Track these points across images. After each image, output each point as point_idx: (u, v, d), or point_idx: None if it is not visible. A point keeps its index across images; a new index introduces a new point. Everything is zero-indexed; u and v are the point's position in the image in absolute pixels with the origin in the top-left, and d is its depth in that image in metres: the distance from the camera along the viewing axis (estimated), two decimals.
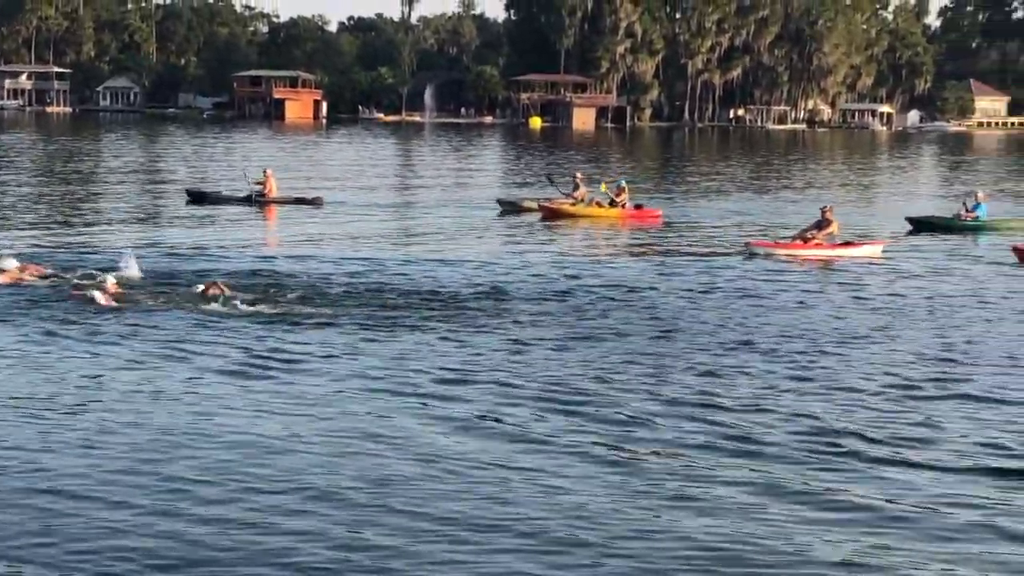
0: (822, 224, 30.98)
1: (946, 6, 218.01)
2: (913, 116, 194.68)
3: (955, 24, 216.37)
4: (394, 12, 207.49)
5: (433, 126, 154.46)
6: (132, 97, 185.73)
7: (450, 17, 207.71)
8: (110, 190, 49.01)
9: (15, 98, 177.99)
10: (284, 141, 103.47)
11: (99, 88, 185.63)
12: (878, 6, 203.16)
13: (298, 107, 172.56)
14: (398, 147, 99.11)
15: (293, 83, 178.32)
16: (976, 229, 37.94)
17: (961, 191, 43.61)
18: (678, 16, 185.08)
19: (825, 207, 31.90)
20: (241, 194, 42.19)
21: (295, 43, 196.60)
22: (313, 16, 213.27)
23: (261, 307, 21.06)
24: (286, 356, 17.42)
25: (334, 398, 15.23)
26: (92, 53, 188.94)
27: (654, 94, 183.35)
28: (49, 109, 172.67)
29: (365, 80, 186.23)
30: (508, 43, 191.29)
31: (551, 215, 39.93)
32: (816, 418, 14.71)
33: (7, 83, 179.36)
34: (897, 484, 12.39)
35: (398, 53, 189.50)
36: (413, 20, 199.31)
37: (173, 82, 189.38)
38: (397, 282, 24.44)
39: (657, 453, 13.28)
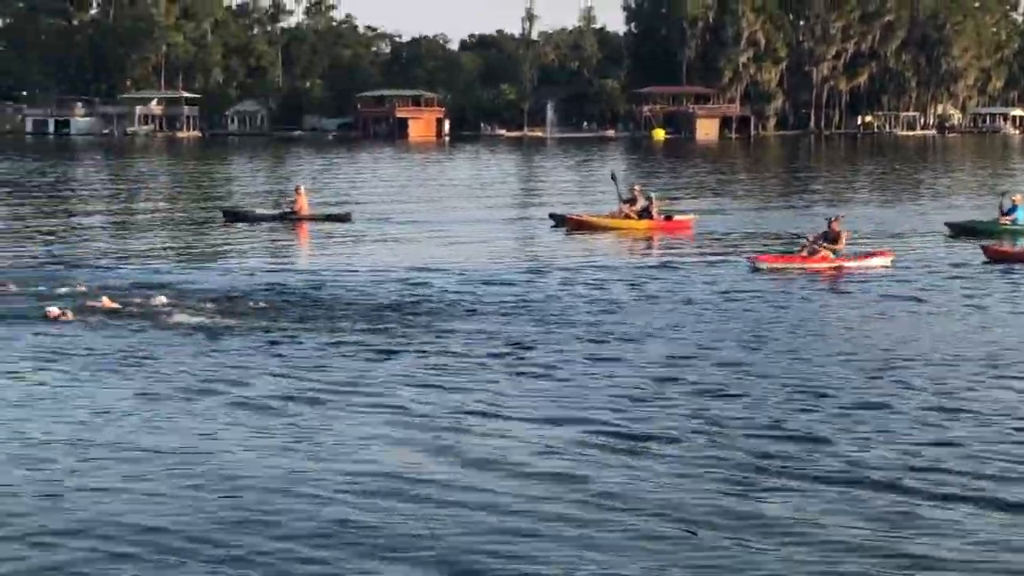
0: (829, 236, 29.95)
1: None
2: None
3: None
4: (515, 28, 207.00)
5: (555, 141, 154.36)
6: (259, 120, 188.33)
7: (571, 32, 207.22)
8: (179, 210, 50.47)
9: (146, 124, 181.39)
10: (404, 159, 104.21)
11: (227, 112, 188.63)
12: (1007, 7, 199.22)
13: (421, 126, 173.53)
14: (515, 163, 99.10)
15: (416, 102, 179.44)
16: (1014, 233, 36.69)
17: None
18: (801, 24, 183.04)
19: (832, 218, 30.88)
20: (274, 212, 42.76)
21: (417, 62, 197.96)
22: (435, 35, 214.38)
23: (228, 319, 21.34)
24: (246, 371, 17.41)
25: (302, 416, 15.10)
26: (220, 78, 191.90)
27: (778, 103, 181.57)
28: (179, 134, 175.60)
29: (487, 97, 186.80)
30: (629, 56, 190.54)
31: (579, 227, 39.71)
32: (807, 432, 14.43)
33: (139, 109, 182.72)
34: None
35: (519, 69, 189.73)
36: (534, 36, 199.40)
37: (299, 105, 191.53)
38: (415, 298, 24.34)
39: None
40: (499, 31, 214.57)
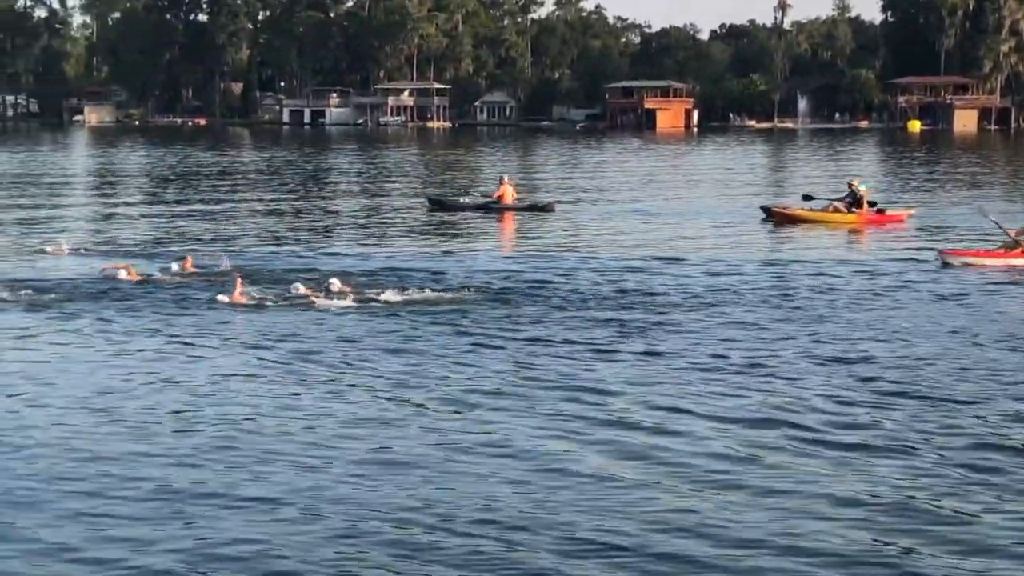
0: None
1: None
2: None
3: None
4: (766, 18, 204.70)
5: (806, 132, 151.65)
6: (508, 111, 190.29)
7: (824, 21, 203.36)
8: (407, 198, 50.99)
9: (398, 114, 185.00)
10: (648, 151, 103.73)
11: (476, 103, 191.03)
12: None
13: (669, 116, 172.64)
14: (761, 154, 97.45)
15: (664, 93, 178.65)
16: None
17: None
18: None
19: None
20: (477, 201, 43.03)
21: (667, 53, 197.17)
22: (685, 25, 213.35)
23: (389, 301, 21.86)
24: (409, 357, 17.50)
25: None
26: (470, 69, 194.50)
27: None
28: (430, 124, 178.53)
29: (737, 87, 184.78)
30: (884, 45, 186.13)
31: (785, 220, 38.74)
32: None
33: (391, 100, 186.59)
34: None
35: (770, 59, 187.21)
36: (786, 25, 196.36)
37: (547, 95, 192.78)
38: (607, 290, 24.01)
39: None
40: (750, 21, 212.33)
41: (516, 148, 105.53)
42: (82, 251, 29.70)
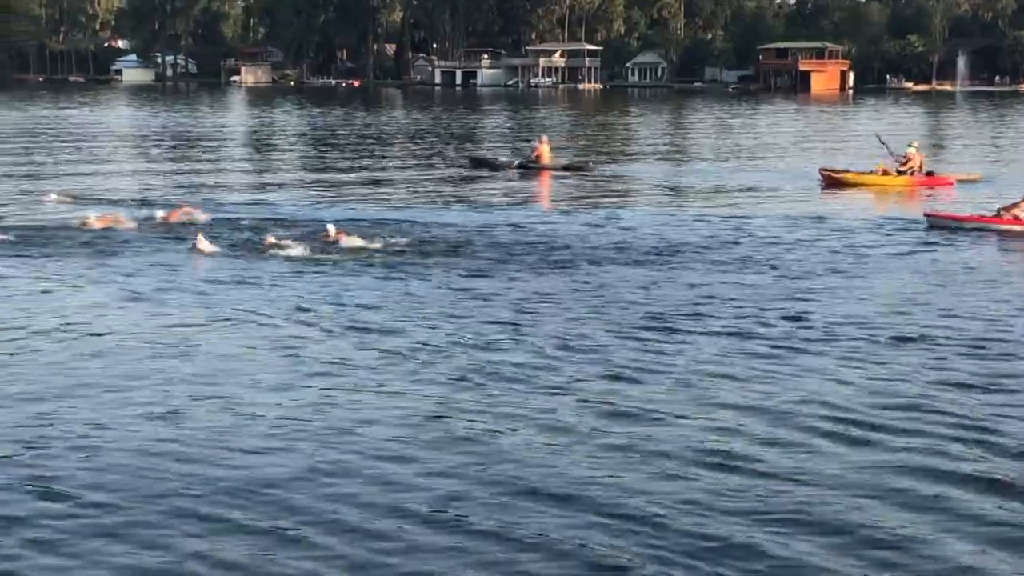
0: None
1: None
2: None
3: None
4: None
5: (964, 95, 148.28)
6: (659, 72, 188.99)
7: None
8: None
9: (549, 76, 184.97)
10: (800, 113, 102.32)
11: (628, 64, 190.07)
12: None
13: (823, 79, 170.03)
14: (906, 117, 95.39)
15: (819, 54, 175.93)
16: None
17: None
18: None
19: None
20: (515, 160, 43.98)
21: (822, 14, 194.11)
22: None
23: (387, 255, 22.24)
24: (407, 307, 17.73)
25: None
26: (622, 30, 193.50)
27: None
28: (581, 86, 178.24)
29: (894, 49, 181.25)
30: None
31: (833, 183, 38.36)
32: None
33: (542, 61, 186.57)
34: None
35: (929, 20, 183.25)
36: None
37: (700, 57, 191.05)
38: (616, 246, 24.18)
39: None
40: None
41: (667, 110, 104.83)
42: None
